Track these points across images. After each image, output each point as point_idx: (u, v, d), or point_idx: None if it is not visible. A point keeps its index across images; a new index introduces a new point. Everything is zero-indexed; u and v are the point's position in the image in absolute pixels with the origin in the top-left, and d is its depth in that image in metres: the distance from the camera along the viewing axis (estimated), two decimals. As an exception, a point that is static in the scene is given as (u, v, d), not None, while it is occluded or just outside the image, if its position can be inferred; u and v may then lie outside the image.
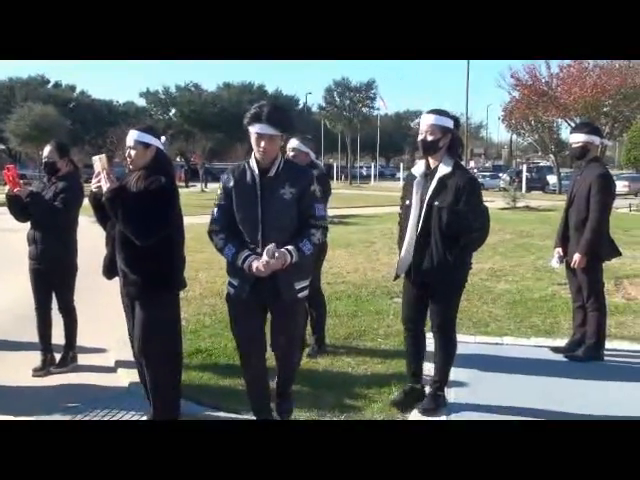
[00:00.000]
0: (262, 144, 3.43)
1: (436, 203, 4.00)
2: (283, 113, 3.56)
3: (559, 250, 5.48)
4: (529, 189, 35.05)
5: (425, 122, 4.09)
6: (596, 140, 5.37)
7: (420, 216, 4.07)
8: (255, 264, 3.44)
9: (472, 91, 74.04)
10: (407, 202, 4.19)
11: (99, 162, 3.66)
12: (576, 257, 5.18)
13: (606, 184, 5.17)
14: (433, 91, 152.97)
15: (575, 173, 5.63)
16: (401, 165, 53.02)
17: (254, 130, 3.44)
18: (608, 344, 5.46)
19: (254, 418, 3.89)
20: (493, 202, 22.93)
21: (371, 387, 4.62)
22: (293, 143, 5.28)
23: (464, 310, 6.71)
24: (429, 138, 4.05)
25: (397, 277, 4.40)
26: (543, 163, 47.46)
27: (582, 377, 4.88)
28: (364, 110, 55.64)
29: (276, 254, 3.40)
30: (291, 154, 5.22)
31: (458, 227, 3.98)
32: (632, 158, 21.92)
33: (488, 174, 47.22)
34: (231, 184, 3.58)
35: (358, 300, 7.34)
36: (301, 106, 66.03)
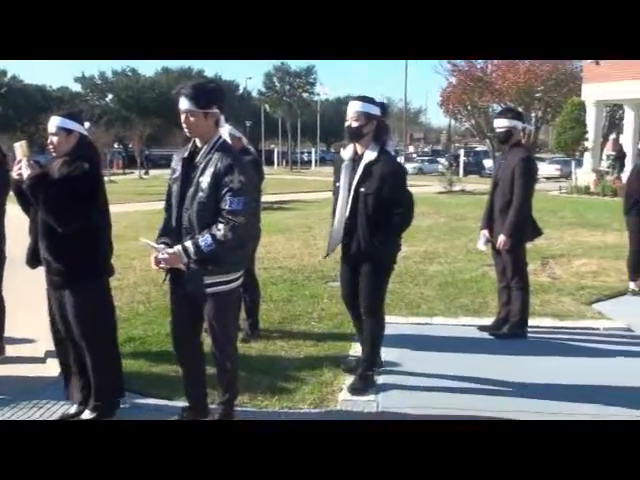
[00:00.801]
0: (182, 119, 3.38)
1: (362, 189, 4.12)
2: (204, 89, 3.39)
3: (485, 232, 5.67)
4: (466, 173, 35.77)
5: (351, 109, 4.17)
6: (519, 125, 5.54)
7: (348, 200, 4.18)
8: (152, 257, 3.43)
9: (411, 76, 74.83)
10: (337, 184, 4.30)
11: (20, 149, 3.60)
12: (501, 239, 5.36)
13: (528, 168, 5.35)
14: (374, 76, 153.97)
15: (500, 157, 5.83)
16: (342, 150, 53.11)
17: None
18: (532, 321, 5.70)
19: (186, 404, 3.90)
20: (431, 186, 23.38)
21: (303, 370, 4.70)
22: (225, 128, 5.29)
23: (397, 292, 6.87)
24: (354, 124, 4.14)
25: (327, 255, 4.51)
26: (480, 148, 48.37)
27: (507, 353, 5.08)
28: (304, 95, 55.64)
29: (167, 252, 3.36)
30: (223, 139, 5.23)
31: (383, 212, 4.10)
32: (562, 142, 22.51)
33: (427, 159, 47.95)
34: (173, 164, 3.60)
35: (294, 285, 7.40)
36: (241, 91, 65.41)
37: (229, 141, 5.17)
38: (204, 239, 3.32)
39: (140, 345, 5.25)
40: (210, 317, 3.54)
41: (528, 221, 5.51)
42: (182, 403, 3.95)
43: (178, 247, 3.36)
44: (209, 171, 3.36)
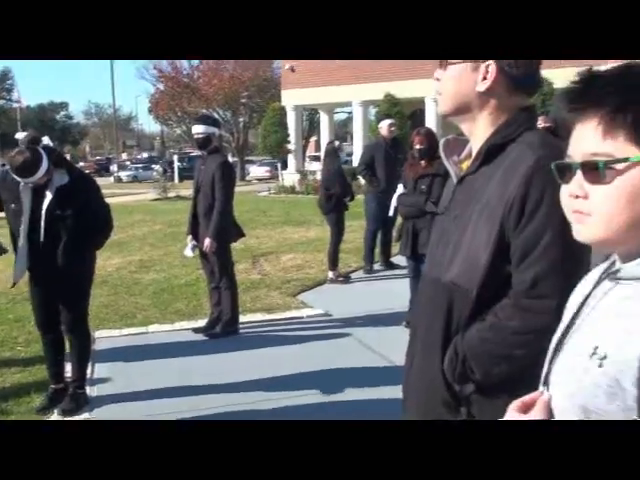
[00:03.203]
0: None
1: (58, 212, 4.01)
2: None
3: (190, 237, 5.84)
4: (182, 178, 35.88)
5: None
6: (216, 131, 5.82)
7: (40, 224, 4.01)
8: None
9: (119, 81, 72.92)
10: (13, 206, 4.08)
11: None
12: (207, 242, 5.56)
13: (226, 172, 5.63)
14: (78, 81, 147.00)
15: (199, 162, 6.04)
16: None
17: None
18: (244, 317, 6.02)
19: None
20: (146, 194, 23.12)
21: (8, 399, 4.40)
22: None
23: (110, 305, 6.75)
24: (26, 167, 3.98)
25: (14, 284, 4.26)
26: (195, 152, 48.92)
27: (220, 351, 5.30)
28: (1, 103, 51.13)
29: None
30: None
31: (82, 230, 4.06)
32: (267, 145, 23.89)
33: (141, 166, 47.17)
34: None
35: (-5, 310, 6.84)
36: None
37: None
38: None
39: None
40: None
41: (231, 223, 5.80)
42: None
43: None
44: None
